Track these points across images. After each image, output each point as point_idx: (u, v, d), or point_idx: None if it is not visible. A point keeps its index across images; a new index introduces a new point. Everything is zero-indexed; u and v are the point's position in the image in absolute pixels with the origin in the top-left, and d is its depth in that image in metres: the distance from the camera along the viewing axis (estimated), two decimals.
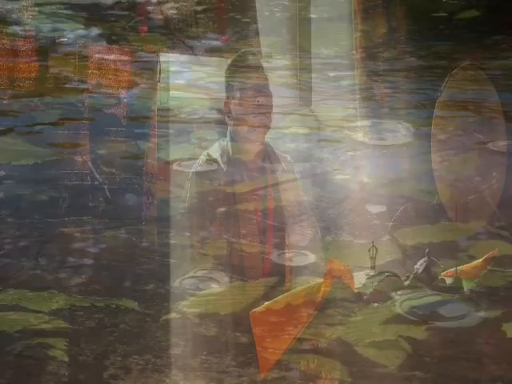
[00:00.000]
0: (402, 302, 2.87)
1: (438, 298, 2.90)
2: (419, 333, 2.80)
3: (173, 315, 2.85)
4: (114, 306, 2.81)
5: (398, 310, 2.84)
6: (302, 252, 3.06)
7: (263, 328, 2.82)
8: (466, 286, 2.94)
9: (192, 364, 2.76)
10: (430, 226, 3.19)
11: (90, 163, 3.00)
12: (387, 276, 2.91)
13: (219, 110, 3.13)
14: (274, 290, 2.93)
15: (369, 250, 2.97)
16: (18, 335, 2.70)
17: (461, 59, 3.26)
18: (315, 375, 2.78)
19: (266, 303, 2.85)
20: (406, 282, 2.94)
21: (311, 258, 3.04)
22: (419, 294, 2.91)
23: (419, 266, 2.97)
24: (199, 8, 3.18)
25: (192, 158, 3.13)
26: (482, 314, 2.82)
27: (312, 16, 3.34)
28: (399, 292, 2.90)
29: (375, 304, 2.88)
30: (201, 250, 3.05)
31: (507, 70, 3.27)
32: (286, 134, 3.26)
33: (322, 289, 2.86)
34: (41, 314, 2.74)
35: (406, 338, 2.78)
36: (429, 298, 2.91)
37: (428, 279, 2.96)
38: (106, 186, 3.02)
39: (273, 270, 3.09)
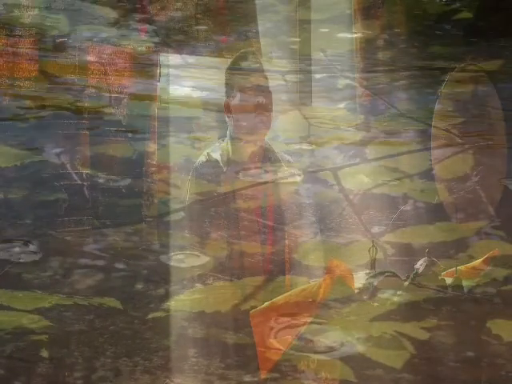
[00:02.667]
0: (277, 332, 2.82)
1: (317, 326, 2.80)
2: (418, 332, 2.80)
3: (160, 313, 2.85)
4: (105, 307, 2.80)
5: (272, 340, 2.77)
6: (193, 253, 3.03)
7: (263, 328, 2.82)
8: (466, 286, 2.94)
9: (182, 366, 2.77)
10: (429, 226, 3.19)
11: (68, 165, 2.99)
12: (387, 276, 2.91)
13: (219, 110, 3.13)
14: (263, 289, 2.93)
15: (369, 250, 2.97)
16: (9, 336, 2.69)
17: (461, 59, 3.26)
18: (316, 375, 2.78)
19: (265, 303, 2.85)
20: (406, 282, 2.94)
21: (203, 259, 3.01)
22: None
23: (419, 265, 2.97)
24: (200, 9, 3.18)
25: (188, 158, 3.13)
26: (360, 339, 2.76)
27: (312, 17, 3.35)
28: None
29: (375, 304, 2.88)
30: (201, 251, 3.05)
31: (506, 70, 3.28)
32: (279, 134, 3.26)
33: (322, 289, 2.86)
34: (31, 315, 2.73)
35: (406, 336, 2.78)
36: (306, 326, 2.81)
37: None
38: (85, 188, 3.01)
39: (272, 269, 3.09)
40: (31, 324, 2.71)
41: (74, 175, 3.02)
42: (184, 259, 3.00)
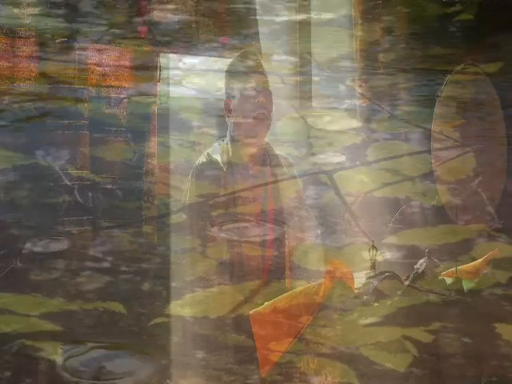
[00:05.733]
0: (65, 360, 2.70)
1: (103, 352, 2.73)
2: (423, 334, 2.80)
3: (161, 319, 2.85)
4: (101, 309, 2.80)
5: (61, 370, 2.67)
6: (57, 238, 2.98)
7: (262, 328, 2.82)
8: (466, 287, 2.94)
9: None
10: (431, 227, 3.19)
11: (57, 167, 2.99)
12: (387, 276, 2.91)
13: (219, 111, 3.13)
14: (263, 292, 2.93)
15: (369, 251, 2.97)
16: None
17: (461, 60, 3.26)
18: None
19: (265, 303, 2.85)
20: (406, 282, 2.94)
21: (64, 243, 2.96)
22: (84, 349, 2.73)
23: (419, 265, 2.97)
24: (200, 10, 3.19)
25: (188, 160, 3.14)
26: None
27: (312, 17, 3.35)
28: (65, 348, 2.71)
29: (375, 304, 2.88)
30: (201, 252, 3.05)
31: (506, 70, 3.28)
32: (279, 137, 3.26)
33: (322, 289, 2.86)
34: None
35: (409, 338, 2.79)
36: (93, 352, 2.74)
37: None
38: (76, 190, 3.00)
39: (272, 271, 3.09)
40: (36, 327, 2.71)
41: (72, 177, 3.02)
42: (48, 244, 2.94)
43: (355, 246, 3.09)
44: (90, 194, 3.03)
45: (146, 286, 2.99)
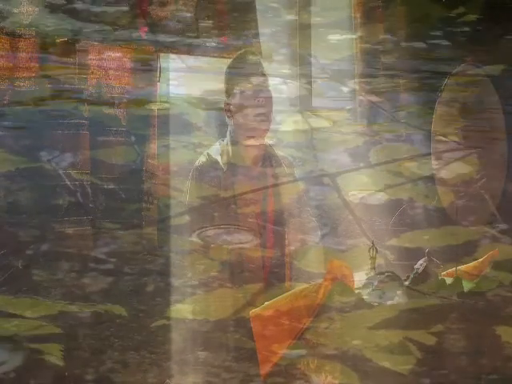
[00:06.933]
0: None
1: None
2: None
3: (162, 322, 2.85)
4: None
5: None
6: None
7: (262, 328, 2.81)
8: (466, 287, 2.93)
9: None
10: (434, 229, 3.18)
11: (60, 171, 2.99)
12: (387, 276, 2.91)
13: (219, 111, 3.13)
14: (263, 295, 2.93)
15: (369, 251, 2.96)
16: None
17: (461, 60, 3.26)
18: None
19: (265, 303, 2.85)
20: (406, 282, 2.94)
21: None
22: None
23: (419, 265, 2.96)
24: (200, 10, 3.20)
25: (189, 161, 3.14)
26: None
27: (313, 21, 3.36)
28: None
29: (375, 303, 2.87)
30: (201, 253, 3.05)
31: (508, 72, 3.28)
32: (280, 138, 3.26)
33: (322, 290, 2.86)
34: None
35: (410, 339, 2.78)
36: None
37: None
38: (78, 193, 3.00)
39: (272, 272, 3.08)
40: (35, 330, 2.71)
41: (72, 179, 3.03)
42: None
43: (357, 247, 3.08)
44: (90, 195, 3.04)
45: (146, 288, 2.99)
